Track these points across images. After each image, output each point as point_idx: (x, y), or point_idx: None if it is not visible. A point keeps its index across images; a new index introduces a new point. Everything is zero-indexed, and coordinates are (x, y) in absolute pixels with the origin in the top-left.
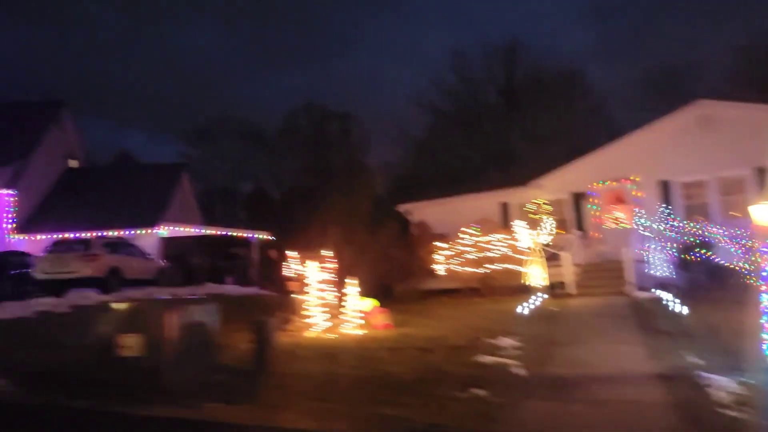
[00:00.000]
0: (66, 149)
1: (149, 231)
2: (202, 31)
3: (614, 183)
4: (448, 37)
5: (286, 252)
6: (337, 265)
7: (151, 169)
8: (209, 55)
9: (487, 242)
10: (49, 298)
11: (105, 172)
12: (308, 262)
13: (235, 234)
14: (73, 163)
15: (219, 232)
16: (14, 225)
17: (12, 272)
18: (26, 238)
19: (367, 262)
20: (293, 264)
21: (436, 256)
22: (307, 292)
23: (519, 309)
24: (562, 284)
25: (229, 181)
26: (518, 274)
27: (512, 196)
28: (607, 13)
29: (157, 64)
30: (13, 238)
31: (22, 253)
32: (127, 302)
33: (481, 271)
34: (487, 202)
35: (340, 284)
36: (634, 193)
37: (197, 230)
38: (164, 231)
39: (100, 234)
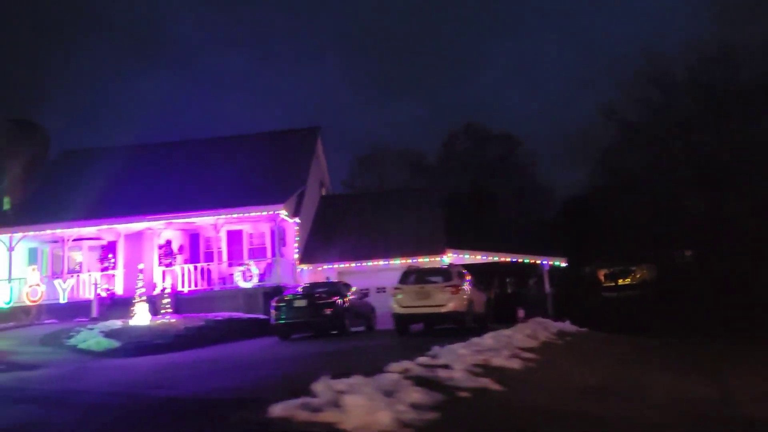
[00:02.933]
0: (320, 176)
1: (435, 258)
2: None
3: None
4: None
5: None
6: None
7: (408, 195)
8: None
9: None
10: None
11: (356, 199)
12: None
13: (525, 260)
14: (322, 191)
15: (509, 259)
16: (298, 255)
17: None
18: (310, 267)
19: None
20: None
21: None
22: None
23: None
24: None
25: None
26: None
27: None
28: None
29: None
30: (300, 269)
31: (346, 285)
32: None
33: None
34: None
35: None
36: None
37: (483, 257)
38: (448, 258)
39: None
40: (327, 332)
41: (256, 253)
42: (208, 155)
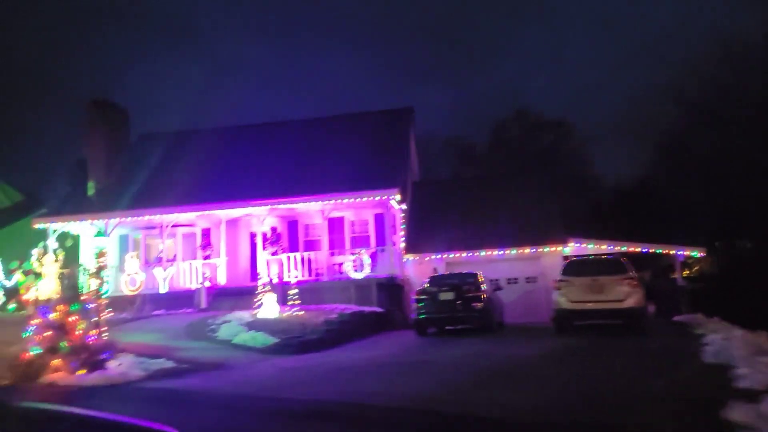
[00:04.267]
0: (413, 160)
1: (556, 248)
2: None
3: None
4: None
5: None
6: None
7: (514, 179)
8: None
9: None
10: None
11: (453, 184)
12: None
13: (660, 251)
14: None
15: (639, 249)
16: (404, 244)
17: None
18: (416, 258)
19: None
20: None
21: None
22: None
23: None
24: None
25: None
26: None
27: None
28: None
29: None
30: (405, 259)
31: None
32: None
33: None
34: None
35: None
36: None
37: (610, 246)
38: (569, 248)
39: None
40: (473, 329)
41: (359, 242)
42: (298, 138)
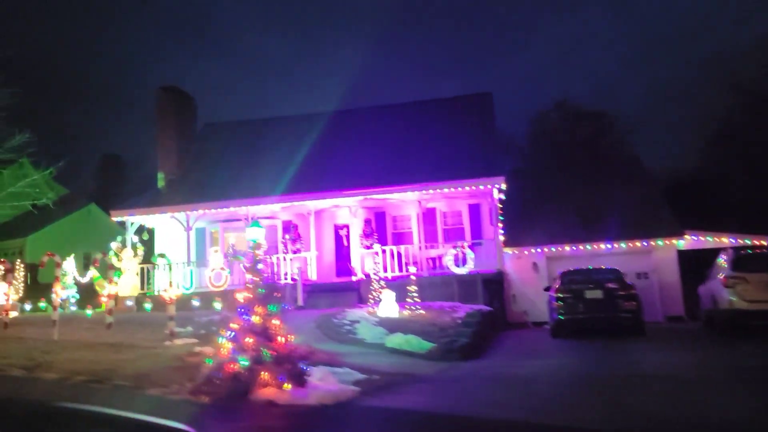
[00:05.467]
0: None
1: (671, 241)
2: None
3: None
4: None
5: None
6: None
7: (610, 168)
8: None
9: None
10: None
11: (540, 172)
12: None
13: None
14: None
15: (765, 242)
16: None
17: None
18: (516, 251)
19: None
20: None
21: None
22: None
23: None
24: None
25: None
26: None
27: None
28: None
29: None
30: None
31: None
32: None
33: None
34: None
35: None
36: None
37: (732, 240)
38: (683, 242)
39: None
40: (623, 332)
41: (452, 235)
42: (378, 125)
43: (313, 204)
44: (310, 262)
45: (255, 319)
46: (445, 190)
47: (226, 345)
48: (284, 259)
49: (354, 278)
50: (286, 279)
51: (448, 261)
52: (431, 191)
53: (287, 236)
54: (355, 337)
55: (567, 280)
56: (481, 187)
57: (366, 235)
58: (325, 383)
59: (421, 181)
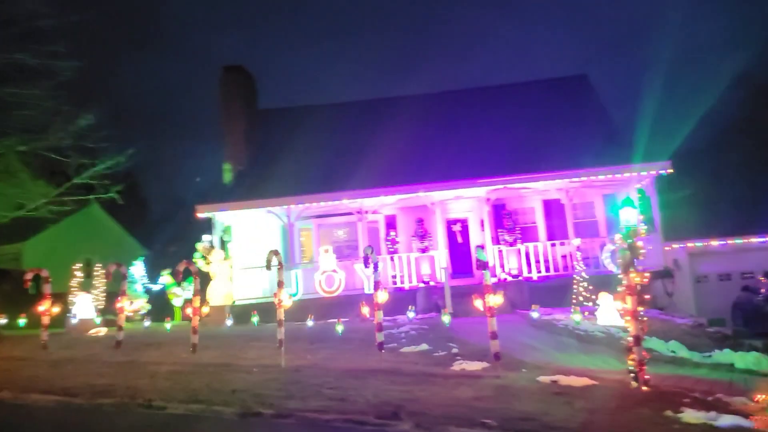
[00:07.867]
0: None
1: None
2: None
3: None
4: None
5: None
6: None
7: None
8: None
9: None
10: None
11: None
12: None
13: None
14: None
15: None
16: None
17: None
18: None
19: None
20: None
21: None
22: None
23: None
24: None
25: None
26: None
27: None
28: None
29: None
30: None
31: None
32: None
33: None
34: None
35: None
36: None
37: None
38: None
39: None
40: None
41: (582, 230)
42: (486, 107)
43: (439, 195)
44: (437, 262)
45: None
46: (601, 176)
47: None
48: (410, 259)
49: (492, 279)
50: (410, 282)
51: (605, 258)
52: (579, 179)
53: (418, 232)
54: (663, 355)
55: None
56: (643, 172)
57: (509, 229)
58: None
59: (568, 168)
